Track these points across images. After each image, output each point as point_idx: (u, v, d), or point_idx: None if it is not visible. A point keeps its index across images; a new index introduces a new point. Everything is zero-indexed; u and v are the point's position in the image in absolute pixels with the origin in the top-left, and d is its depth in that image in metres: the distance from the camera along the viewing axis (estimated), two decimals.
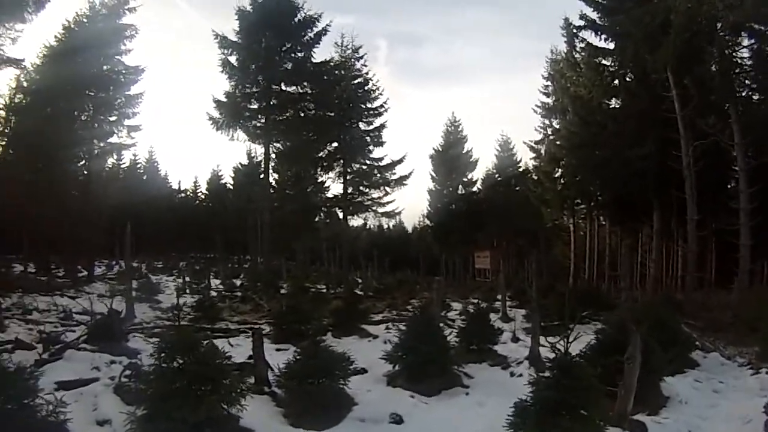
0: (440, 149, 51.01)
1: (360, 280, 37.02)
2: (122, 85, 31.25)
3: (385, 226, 76.72)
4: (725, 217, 24.65)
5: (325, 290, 29.86)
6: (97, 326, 12.16)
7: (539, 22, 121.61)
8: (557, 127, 39.66)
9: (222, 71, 29.69)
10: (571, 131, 32.56)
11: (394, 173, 36.54)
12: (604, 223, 40.31)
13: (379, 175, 36.42)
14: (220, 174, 68.65)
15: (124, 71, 31.16)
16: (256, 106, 30.67)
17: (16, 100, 31.44)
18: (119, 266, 36.80)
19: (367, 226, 72.08)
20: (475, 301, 25.09)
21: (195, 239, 62.51)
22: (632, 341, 7.95)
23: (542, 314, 17.03)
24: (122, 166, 60.25)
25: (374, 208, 37.06)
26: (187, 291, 26.58)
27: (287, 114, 31.55)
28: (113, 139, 31.79)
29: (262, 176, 30.93)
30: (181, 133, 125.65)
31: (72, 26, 30.69)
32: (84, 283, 26.13)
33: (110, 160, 39.89)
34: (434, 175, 51.23)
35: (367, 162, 36.33)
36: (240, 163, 57.99)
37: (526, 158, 51.61)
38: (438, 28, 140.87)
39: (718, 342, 14.96)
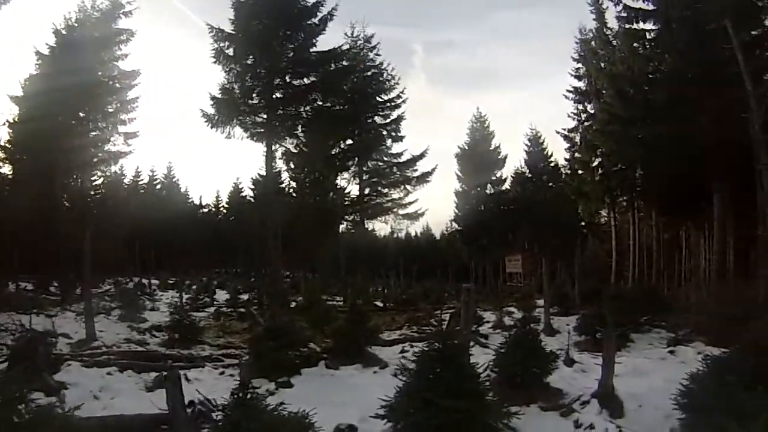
0: (466, 147, 47.32)
1: (384, 291, 34.28)
2: (117, 90, 30.66)
3: (413, 233, 75.39)
4: None
5: (342, 303, 26.74)
6: (19, 351, 9.98)
7: (567, 20, 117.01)
8: (592, 111, 35.45)
9: (216, 62, 25.99)
10: (610, 112, 28.30)
11: (416, 170, 33.27)
12: (642, 215, 35.82)
13: (398, 172, 32.72)
14: (240, 186, 66.14)
15: (118, 76, 30.62)
16: (256, 101, 26.76)
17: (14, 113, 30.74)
18: (131, 283, 34.58)
19: (394, 234, 70.64)
20: (511, 310, 21.58)
21: (218, 255, 60.99)
22: None
23: (590, 322, 13.61)
24: (140, 182, 61.01)
25: (395, 210, 33.21)
26: (187, 307, 23.47)
27: (292, 108, 27.48)
28: (110, 147, 31.19)
29: (264, 175, 26.90)
30: (200, 145, 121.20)
31: (63, 32, 30.08)
32: (74, 300, 23.42)
33: (114, 169, 39.60)
34: (461, 174, 47.51)
35: (385, 159, 32.62)
36: (259, 174, 54.60)
37: (559, 151, 48.02)
38: (467, 31, 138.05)
39: None
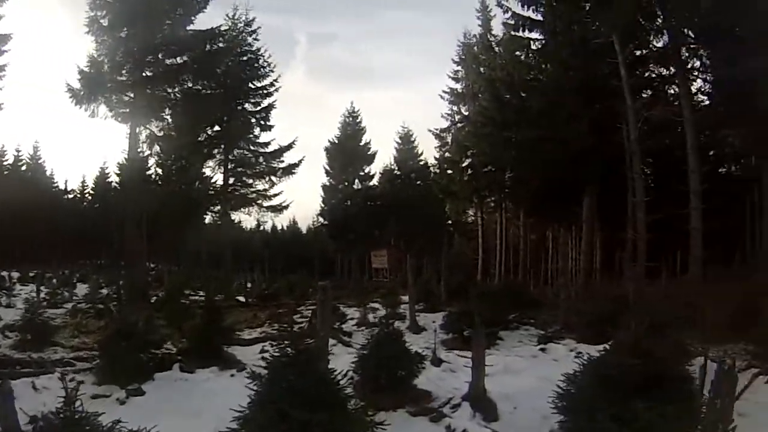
0: (336, 141, 46.77)
1: (248, 285, 32.88)
2: None
3: (279, 227, 73.86)
4: (673, 201, 21.35)
5: (204, 298, 24.75)
6: None
7: (449, 24, 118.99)
8: (466, 113, 35.51)
9: (88, 32, 23.73)
10: (485, 115, 28.56)
11: (282, 161, 31.70)
12: (509, 215, 36.19)
13: (264, 163, 31.23)
14: (107, 171, 59.90)
15: None
16: (124, 78, 24.60)
17: None
18: None
19: (260, 227, 69.07)
20: (376, 306, 20.94)
21: (85, 245, 56.36)
22: None
23: (457, 319, 13.17)
24: (4, 162, 56.28)
25: (259, 201, 31.71)
26: (44, 303, 21.35)
27: (160, 89, 25.54)
28: None
29: (126, 159, 24.82)
30: (68, 125, 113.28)
31: None
32: None
33: None
34: (329, 169, 47.05)
35: (251, 148, 31.16)
36: (125, 159, 51.42)
37: (429, 150, 48.27)
38: (351, 26, 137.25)
39: None
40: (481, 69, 32.63)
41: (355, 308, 20.62)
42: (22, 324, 14.17)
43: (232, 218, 35.60)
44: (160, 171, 38.95)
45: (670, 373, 6.13)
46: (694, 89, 23.02)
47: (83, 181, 63.39)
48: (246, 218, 35.34)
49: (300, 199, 75.04)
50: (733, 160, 29.17)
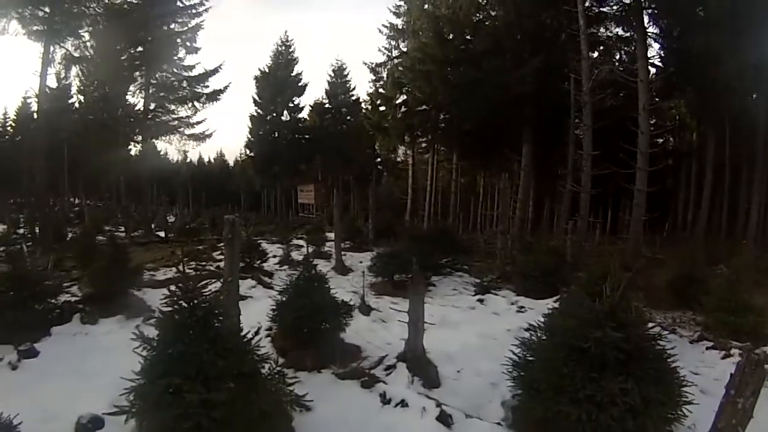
0: (267, 70, 44.69)
1: (171, 219, 32.80)
2: None
3: (206, 159, 71.81)
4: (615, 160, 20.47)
5: (124, 235, 24.51)
6: None
7: None
8: (405, 49, 33.80)
9: None
10: (425, 51, 27.14)
11: (207, 86, 29.38)
12: (441, 159, 35.25)
13: (188, 87, 28.99)
14: (29, 101, 55.83)
15: None
16: None
17: None
18: None
19: (187, 159, 66.83)
20: (301, 243, 19.80)
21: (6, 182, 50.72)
22: None
23: (387, 261, 12.08)
24: None
25: (181, 129, 29.56)
26: None
27: (77, 4, 23.03)
28: None
29: (38, 88, 22.34)
30: None
31: None
32: None
33: None
34: (258, 99, 44.96)
35: (175, 71, 28.78)
36: (48, 87, 48.05)
37: (363, 85, 46.77)
38: None
39: None
40: (426, 6, 30.62)
41: (278, 245, 19.38)
42: None
43: (157, 148, 33.34)
44: (81, 98, 36.98)
45: (648, 348, 5.14)
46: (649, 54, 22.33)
47: (5, 113, 59.18)
48: (171, 149, 33.23)
49: (228, 131, 72.84)
50: (671, 132, 29.79)
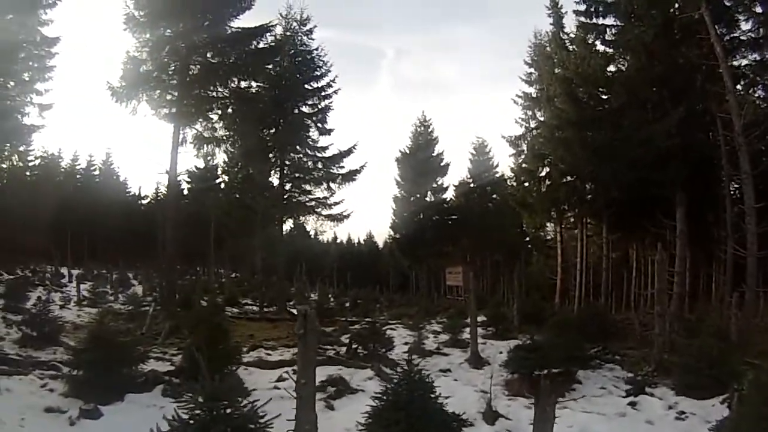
0: (407, 151, 44.35)
1: (312, 297, 32.19)
2: (36, 58, 27.20)
3: (356, 240, 72.79)
4: None
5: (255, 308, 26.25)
6: None
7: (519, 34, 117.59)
8: (542, 119, 32.29)
9: (125, 28, 22.24)
10: (561, 117, 25.90)
11: (342, 167, 29.21)
12: (590, 233, 32.67)
13: (323, 168, 28.93)
14: (178, 179, 60.43)
15: (40, 42, 26.82)
16: (165, 77, 22.98)
17: None
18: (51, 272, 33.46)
19: (337, 240, 67.70)
20: (438, 328, 18.29)
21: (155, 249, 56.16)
22: None
23: (526, 355, 10.57)
24: (77, 167, 58.11)
25: (318, 209, 29.44)
26: (84, 303, 23.21)
27: (205, 88, 23.81)
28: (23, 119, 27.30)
29: (170, 165, 22.91)
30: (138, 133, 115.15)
31: None
32: None
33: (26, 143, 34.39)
34: (400, 180, 44.66)
35: (309, 152, 28.97)
36: (195, 166, 50.81)
37: (505, 162, 45.25)
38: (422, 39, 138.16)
39: None
40: (555, 70, 29.56)
41: (410, 330, 17.96)
42: (27, 320, 13.67)
43: (306, 228, 33.94)
44: (226, 178, 39.93)
45: None
46: None
47: (157, 188, 61.84)
48: (325, 231, 33.53)
49: (377, 212, 74.33)
50: None
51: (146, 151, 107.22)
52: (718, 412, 8.12)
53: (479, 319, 19.05)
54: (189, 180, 54.36)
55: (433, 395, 6.46)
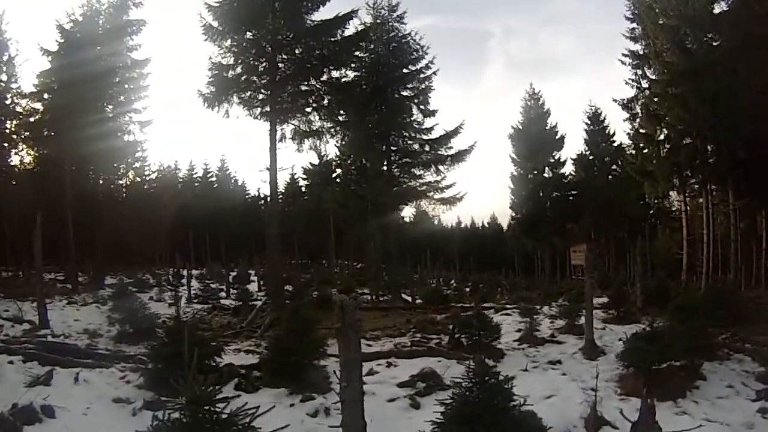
0: (520, 127, 43.22)
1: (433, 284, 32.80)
2: (129, 80, 31.18)
3: (479, 224, 72.11)
4: None
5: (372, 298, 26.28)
6: None
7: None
8: (654, 77, 30.07)
9: (206, 39, 22.15)
10: (671, 71, 24.15)
11: (450, 147, 28.98)
12: (716, 201, 29.50)
13: (430, 151, 28.48)
14: (295, 176, 63.08)
15: (131, 65, 30.91)
16: (255, 78, 22.71)
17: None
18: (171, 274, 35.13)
19: (461, 224, 67.21)
20: (554, 310, 16.93)
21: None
22: None
23: (644, 346, 8.96)
24: (194, 175, 63.00)
25: (430, 193, 29.42)
26: (195, 300, 24.34)
27: (296, 83, 23.19)
28: (128, 137, 31.96)
29: (269, 163, 22.78)
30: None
31: (66, 27, 29.37)
32: (86, 289, 24.70)
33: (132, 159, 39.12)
34: (515, 157, 43.58)
35: (414, 135, 28.96)
36: (310, 163, 54.37)
37: (621, 129, 43.07)
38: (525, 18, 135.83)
39: None
40: (660, 21, 27.01)
41: (521, 313, 16.53)
42: (125, 317, 14.12)
43: (429, 214, 34.41)
44: (339, 171, 40.83)
45: None
46: None
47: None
48: (448, 215, 33.39)
49: (500, 196, 73.76)
50: None
51: (256, 152, 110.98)
52: None
53: (600, 301, 17.88)
54: (305, 177, 57.76)
55: (513, 402, 5.29)
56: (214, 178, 63.30)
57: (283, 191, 62.52)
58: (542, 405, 7.56)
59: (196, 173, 62.33)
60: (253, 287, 29.86)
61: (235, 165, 77.71)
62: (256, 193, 66.60)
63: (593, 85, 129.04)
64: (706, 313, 11.69)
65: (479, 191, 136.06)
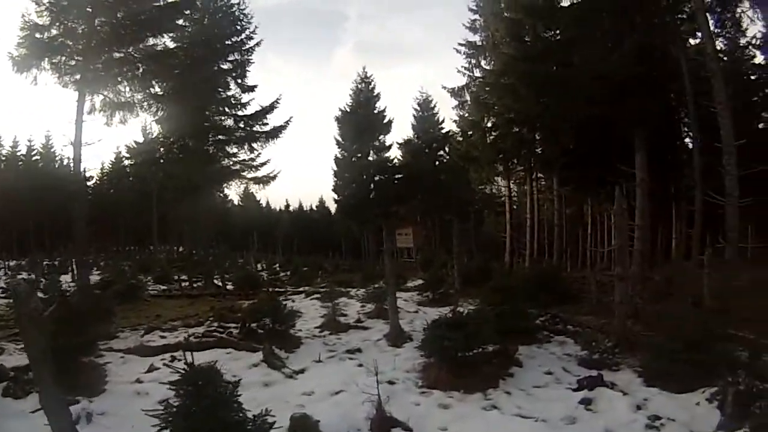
0: (348, 109, 42.26)
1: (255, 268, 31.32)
2: None
3: (307, 207, 71.08)
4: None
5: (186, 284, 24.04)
6: None
7: None
8: (487, 68, 30.37)
9: None
10: (507, 62, 23.99)
11: (265, 124, 27.54)
12: (541, 187, 31.61)
13: (245, 128, 27.06)
14: (120, 155, 58.67)
15: None
16: (70, 42, 19.90)
17: None
18: None
19: (289, 207, 65.82)
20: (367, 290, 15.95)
21: (105, 232, 53.89)
22: None
23: (444, 333, 7.86)
24: (18, 153, 55.90)
25: (244, 172, 28.18)
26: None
27: (112, 50, 20.75)
28: None
29: (74, 137, 19.98)
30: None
31: None
32: None
33: None
34: (340, 139, 42.76)
35: (227, 110, 27.18)
36: (135, 141, 50.07)
37: (450, 116, 43.43)
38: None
39: None
40: (504, 14, 26.78)
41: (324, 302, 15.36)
42: None
43: (256, 197, 32.14)
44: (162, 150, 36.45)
45: None
46: None
47: (102, 168, 61.80)
48: (277, 198, 31.83)
49: (330, 179, 72.89)
50: None
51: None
52: (705, 416, 5.71)
53: (418, 283, 17.65)
54: (129, 156, 53.40)
55: (236, 404, 4.39)
56: (38, 157, 56.97)
57: (108, 172, 59.93)
58: (326, 404, 6.81)
59: (19, 151, 55.69)
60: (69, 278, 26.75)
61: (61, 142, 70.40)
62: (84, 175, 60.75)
63: (433, 72, 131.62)
64: (526, 295, 10.81)
65: (310, 174, 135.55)
